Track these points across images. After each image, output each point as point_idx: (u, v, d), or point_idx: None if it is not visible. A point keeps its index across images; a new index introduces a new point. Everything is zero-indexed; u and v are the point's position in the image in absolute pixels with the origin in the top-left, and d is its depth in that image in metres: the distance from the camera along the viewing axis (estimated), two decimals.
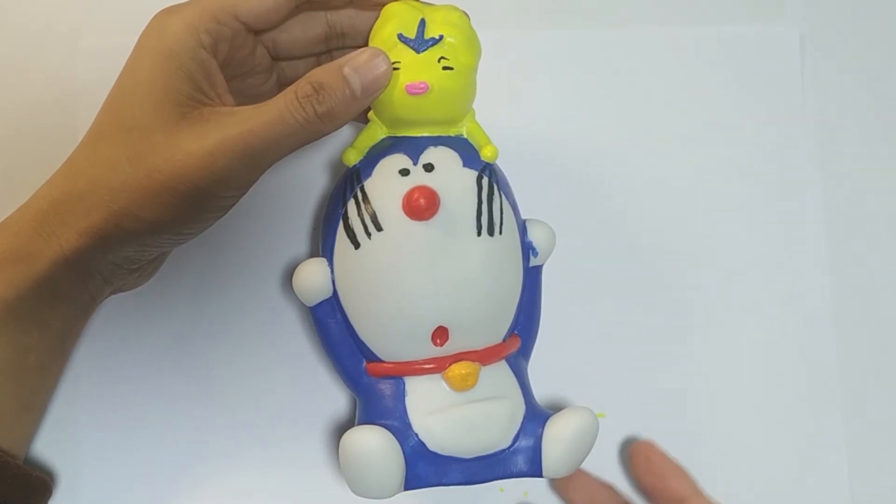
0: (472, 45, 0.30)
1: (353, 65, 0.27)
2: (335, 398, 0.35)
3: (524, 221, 0.32)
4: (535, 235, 0.32)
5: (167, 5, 0.29)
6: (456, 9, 0.30)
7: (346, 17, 0.31)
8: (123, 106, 0.28)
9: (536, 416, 0.30)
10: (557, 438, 0.29)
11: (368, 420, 0.29)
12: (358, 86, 0.27)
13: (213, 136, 0.26)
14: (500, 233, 0.29)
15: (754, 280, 0.38)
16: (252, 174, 0.28)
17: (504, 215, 0.30)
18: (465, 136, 0.31)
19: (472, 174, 0.29)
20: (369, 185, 0.29)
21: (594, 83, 0.39)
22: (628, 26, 0.39)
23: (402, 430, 0.29)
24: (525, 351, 0.33)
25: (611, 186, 0.38)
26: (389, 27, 0.29)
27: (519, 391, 0.31)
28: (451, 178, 0.29)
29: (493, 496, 0.35)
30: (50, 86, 0.37)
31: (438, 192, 0.28)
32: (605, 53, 0.39)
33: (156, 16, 0.28)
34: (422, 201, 0.27)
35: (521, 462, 0.30)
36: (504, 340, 0.31)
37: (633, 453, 0.34)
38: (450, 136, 0.31)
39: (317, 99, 0.27)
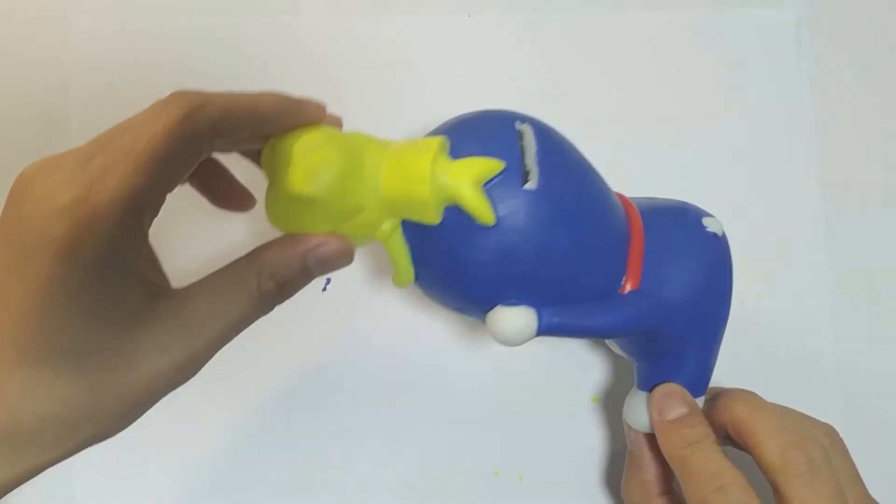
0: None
1: (319, 258, 0.26)
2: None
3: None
4: None
5: None
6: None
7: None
8: (60, 326, 0.22)
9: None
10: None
11: None
12: (318, 274, 0.27)
13: (178, 350, 0.24)
14: None
15: (751, 262, 0.38)
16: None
17: None
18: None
19: None
20: None
21: (589, 66, 0.39)
22: (624, 10, 0.39)
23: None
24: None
25: (604, 170, 0.38)
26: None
27: None
28: None
29: (488, 480, 0.35)
30: (41, 69, 0.36)
31: None
32: (600, 37, 0.39)
33: (59, 207, 0.21)
34: None
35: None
36: None
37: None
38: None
39: (280, 293, 0.26)
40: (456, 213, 0.26)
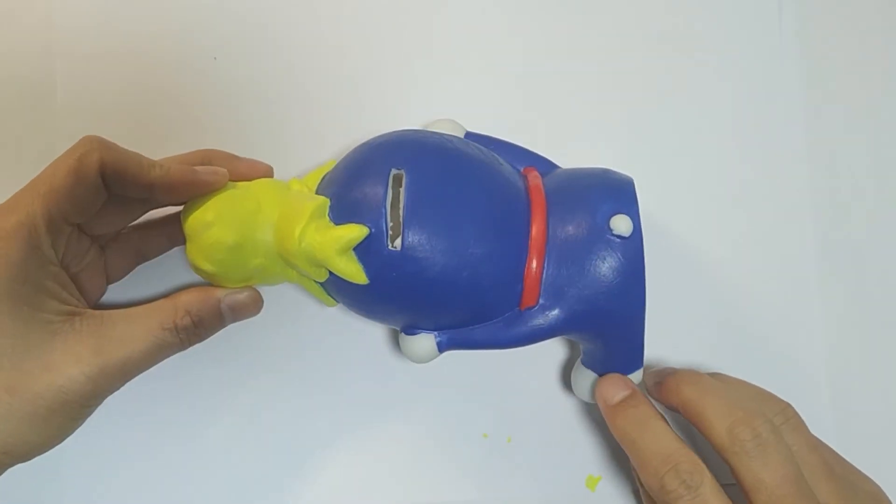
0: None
1: (232, 304, 0.30)
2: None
3: None
4: None
5: None
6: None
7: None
8: None
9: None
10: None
11: None
12: (231, 320, 0.31)
13: (92, 362, 0.26)
14: None
15: (736, 234, 0.37)
16: (124, 384, 0.28)
17: None
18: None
19: None
20: None
21: (571, 36, 0.38)
22: None
23: None
24: None
25: (584, 129, 0.38)
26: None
27: None
28: None
29: (477, 442, 0.35)
30: (27, 34, 0.36)
31: None
32: (582, 6, 0.38)
33: None
34: None
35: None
36: None
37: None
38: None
39: (194, 332, 0.29)
40: None
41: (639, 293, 0.30)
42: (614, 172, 0.32)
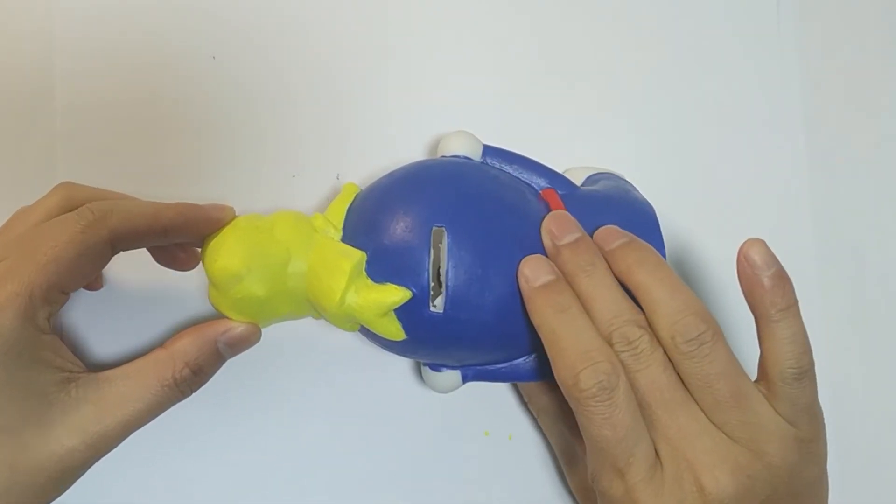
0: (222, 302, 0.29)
1: (229, 341, 0.29)
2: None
3: None
4: None
5: None
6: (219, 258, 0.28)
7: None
8: None
9: None
10: None
11: None
12: (230, 356, 0.30)
13: (92, 430, 0.26)
14: None
15: (735, 230, 0.38)
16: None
17: None
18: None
19: None
20: None
21: (570, 30, 0.38)
22: None
23: None
24: None
25: (584, 129, 0.38)
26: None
27: None
28: None
29: (479, 440, 0.36)
30: (26, 39, 0.36)
31: None
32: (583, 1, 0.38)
33: None
34: None
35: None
36: None
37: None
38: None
39: (194, 380, 0.28)
40: None
41: None
42: (635, 199, 0.32)
